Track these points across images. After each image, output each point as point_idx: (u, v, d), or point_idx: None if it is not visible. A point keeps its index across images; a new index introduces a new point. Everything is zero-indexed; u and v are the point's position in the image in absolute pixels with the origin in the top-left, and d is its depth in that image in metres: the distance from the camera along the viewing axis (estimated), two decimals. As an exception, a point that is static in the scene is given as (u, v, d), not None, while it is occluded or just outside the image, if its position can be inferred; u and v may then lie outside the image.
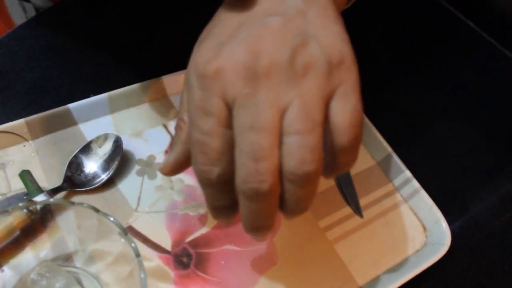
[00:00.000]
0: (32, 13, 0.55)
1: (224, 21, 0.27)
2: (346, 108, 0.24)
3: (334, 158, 0.25)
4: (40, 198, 0.35)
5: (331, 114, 0.25)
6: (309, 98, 0.24)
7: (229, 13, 0.27)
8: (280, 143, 0.24)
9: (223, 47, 0.25)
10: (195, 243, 0.36)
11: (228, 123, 0.25)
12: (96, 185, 0.37)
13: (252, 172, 0.24)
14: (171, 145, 0.30)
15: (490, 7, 0.59)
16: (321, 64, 0.24)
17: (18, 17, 0.56)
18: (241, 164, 0.24)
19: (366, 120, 0.44)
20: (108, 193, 0.38)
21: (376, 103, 0.48)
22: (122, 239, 0.30)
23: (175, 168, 0.30)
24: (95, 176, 0.37)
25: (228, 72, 0.24)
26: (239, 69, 0.24)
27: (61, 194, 0.36)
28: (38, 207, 0.31)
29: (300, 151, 0.23)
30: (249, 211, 0.26)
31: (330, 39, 0.25)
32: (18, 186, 0.37)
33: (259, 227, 0.27)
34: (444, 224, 0.39)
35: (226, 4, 0.28)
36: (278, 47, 0.24)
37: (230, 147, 0.25)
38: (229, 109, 0.25)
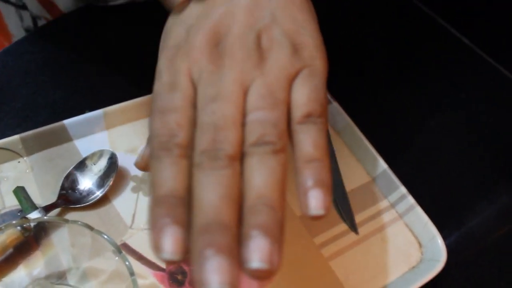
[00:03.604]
0: (28, 21, 0.55)
1: (192, 6, 0.28)
2: (305, 86, 0.25)
3: (293, 136, 0.24)
4: (34, 215, 0.35)
5: (292, 93, 0.25)
6: (271, 77, 0.24)
7: None
8: (243, 124, 0.23)
9: (191, 29, 0.26)
10: (190, 260, 0.36)
11: (193, 101, 0.24)
12: (91, 202, 0.37)
13: (211, 140, 0.22)
14: (147, 140, 0.28)
15: (479, 21, 0.60)
16: (284, 46, 0.25)
17: (14, 26, 0.56)
18: (200, 136, 0.23)
19: (361, 136, 0.44)
20: (102, 210, 0.37)
21: (370, 115, 0.49)
22: (116, 257, 0.30)
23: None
24: (89, 193, 0.37)
25: (194, 51, 0.25)
26: (205, 48, 0.25)
27: (56, 211, 0.36)
28: (32, 224, 0.31)
29: (261, 125, 0.23)
30: (202, 192, 0.22)
31: (292, 26, 0.26)
32: (12, 202, 0.36)
33: (214, 220, 0.21)
34: (439, 240, 0.39)
35: None
36: (243, 28, 0.25)
37: (192, 123, 0.24)
38: (195, 87, 0.25)
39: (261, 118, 0.23)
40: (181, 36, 0.26)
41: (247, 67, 0.24)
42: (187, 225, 0.21)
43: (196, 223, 0.21)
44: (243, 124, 0.23)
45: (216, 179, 0.22)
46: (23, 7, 0.54)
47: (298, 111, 0.24)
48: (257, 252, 0.20)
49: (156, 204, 0.22)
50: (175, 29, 0.27)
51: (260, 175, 0.22)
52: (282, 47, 0.25)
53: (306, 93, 0.25)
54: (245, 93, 0.24)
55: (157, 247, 0.21)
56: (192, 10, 0.27)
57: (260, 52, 0.25)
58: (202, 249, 0.20)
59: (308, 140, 0.24)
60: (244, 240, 0.21)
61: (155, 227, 0.21)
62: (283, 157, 0.23)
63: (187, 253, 0.21)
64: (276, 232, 0.21)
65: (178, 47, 0.26)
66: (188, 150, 0.23)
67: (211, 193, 0.21)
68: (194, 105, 0.24)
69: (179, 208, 0.22)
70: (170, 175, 0.22)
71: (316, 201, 0.22)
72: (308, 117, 0.24)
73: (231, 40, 0.25)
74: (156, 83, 0.26)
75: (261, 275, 0.20)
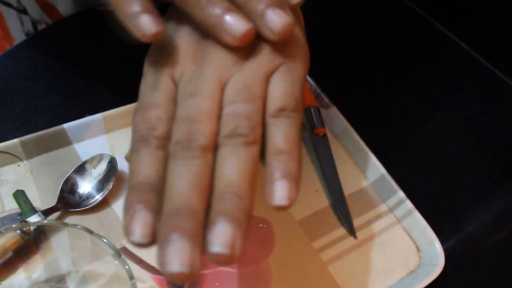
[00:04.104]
0: (29, 25, 0.55)
1: (176, 11, 0.28)
2: (281, 81, 0.25)
3: (266, 130, 0.25)
4: (34, 218, 0.35)
5: (268, 88, 0.25)
6: (248, 72, 0.25)
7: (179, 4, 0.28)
8: (219, 117, 0.24)
9: (175, 33, 0.27)
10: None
11: (174, 98, 0.25)
12: (90, 205, 0.37)
13: (185, 132, 0.23)
14: None
15: (476, 23, 0.60)
16: (266, 44, 0.26)
17: (16, 29, 0.57)
18: (176, 128, 0.24)
19: (360, 140, 0.44)
20: (102, 214, 0.37)
21: (368, 117, 0.49)
22: (116, 261, 0.30)
23: None
24: (89, 196, 0.37)
25: (178, 53, 0.26)
26: (188, 50, 0.26)
27: (55, 215, 0.36)
28: (32, 228, 0.31)
29: (235, 118, 0.24)
30: (173, 180, 0.22)
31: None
32: (12, 206, 0.37)
33: (182, 206, 0.21)
34: (437, 245, 0.39)
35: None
36: None
37: (171, 117, 0.25)
38: (177, 86, 0.26)
39: (236, 111, 0.24)
40: (166, 38, 0.27)
41: (226, 64, 0.25)
42: (158, 211, 0.22)
43: (165, 208, 0.22)
44: (218, 118, 0.24)
45: (187, 168, 0.22)
46: (24, 11, 0.54)
47: (272, 105, 0.25)
48: (219, 237, 0.21)
49: (130, 190, 0.23)
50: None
51: (230, 165, 0.23)
52: (263, 45, 0.26)
53: (281, 88, 0.25)
54: (222, 88, 0.25)
55: (127, 230, 0.22)
56: (178, 13, 0.28)
57: (241, 50, 0.26)
58: (166, 232, 0.21)
59: (278, 133, 0.24)
60: (209, 225, 0.21)
61: (127, 212, 0.22)
62: (254, 149, 0.23)
63: (155, 239, 0.22)
64: (240, 220, 0.21)
65: (162, 49, 0.27)
66: (166, 142, 0.24)
67: (182, 180, 0.22)
68: (174, 101, 0.25)
69: (151, 194, 0.22)
70: (146, 164, 0.23)
71: (280, 191, 0.22)
72: (281, 111, 0.25)
73: (213, 40, 0.26)
74: (141, 84, 0.27)
75: (222, 260, 0.21)
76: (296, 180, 0.23)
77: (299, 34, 0.28)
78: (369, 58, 0.58)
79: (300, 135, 0.25)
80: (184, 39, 0.27)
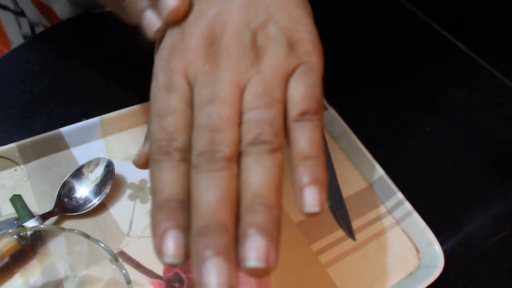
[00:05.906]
0: (26, 28, 0.55)
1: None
2: (301, 83, 0.25)
3: (289, 134, 0.24)
4: (31, 223, 0.35)
5: (288, 90, 0.25)
6: (267, 75, 0.24)
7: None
8: (240, 123, 0.24)
9: (186, 28, 0.26)
10: (187, 268, 0.36)
11: (190, 102, 0.25)
12: (88, 209, 0.37)
13: (207, 142, 0.23)
14: (145, 138, 0.28)
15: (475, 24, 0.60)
16: (280, 44, 0.25)
17: (13, 33, 0.57)
18: (197, 138, 0.23)
19: (358, 142, 0.44)
20: (99, 218, 0.37)
21: (366, 121, 0.49)
22: (113, 266, 0.30)
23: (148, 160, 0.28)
24: (86, 200, 0.37)
25: (190, 51, 0.25)
26: (200, 48, 0.25)
27: (53, 219, 0.36)
28: (29, 233, 0.31)
29: (258, 124, 0.23)
30: (200, 195, 0.22)
31: (288, 23, 0.26)
32: (9, 211, 0.36)
33: (212, 222, 0.21)
34: (437, 246, 0.39)
35: None
36: (238, 27, 0.25)
37: (189, 125, 0.24)
38: (191, 88, 0.25)
39: (258, 117, 0.23)
40: (176, 35, 0.26)
41: (243, 66, 0.24)
42: (187, 228, 0.22)
43: (194, 225, 0.21)
44: (240, 124, 0.23)
45: (213, 182, 0.22)
46: (22, 13, 0.54)
47: (294, 109, 0.24)
48: (254, 251, 0.20)
49: (157, 209, 0.22)
50: (170, 29, 0.27)
51: (257, 175, 0.22)
52: (278, 44, 0.25)
53: (302, 90, 0.25)
54: (241, 93, 0.24)
55: (159, 251, 0.21)
56: (188, 10, 0.27)
57: (256, 50, 0.25)
58: (200, 251, 0.20)
59: (303, 138, 0.24)
60: (241, 239, 0.21)
61: (156, 232, 0.22)
62: (279, 156, 0.23)
63: (188, 257, 0.21)
64: (272, 231, 0.21)
65: (173, 46, 0.26)
66: (187, 153, 0.23)
67: (209, 195, 0.22)
68: (190, 106, 0.24)
69: (179, 212, 0.22)
70: (170, 179, 0.23)
71: (311, 198, 0.22)
72: (303, 114, 0.24)
73: (226, 39, 0.25)
74: (152, 84, 0.26)
75: (258, 273, 0.21)
76: (324, 185, 0.23)
77: (313, 29, 0.27)
78: (367, 59, 0.58)
79: (322, 137, 0.25)
80: (194, 36, 0.26)
